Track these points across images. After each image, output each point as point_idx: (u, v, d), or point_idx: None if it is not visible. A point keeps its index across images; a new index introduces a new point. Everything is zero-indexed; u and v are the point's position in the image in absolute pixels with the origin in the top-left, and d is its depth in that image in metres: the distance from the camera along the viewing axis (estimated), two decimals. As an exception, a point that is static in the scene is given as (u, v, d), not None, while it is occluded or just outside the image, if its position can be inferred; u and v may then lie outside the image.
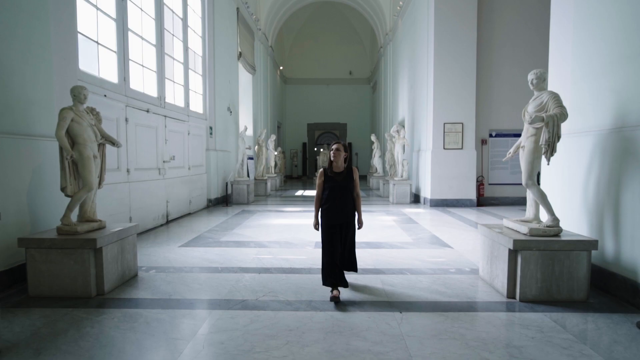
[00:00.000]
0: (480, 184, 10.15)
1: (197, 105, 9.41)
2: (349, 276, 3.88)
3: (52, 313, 3.09)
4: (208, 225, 7.09)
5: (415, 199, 11.10)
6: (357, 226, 3.57)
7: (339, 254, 3.42)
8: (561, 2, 4.35)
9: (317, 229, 3.54)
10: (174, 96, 8.08)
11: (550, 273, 3.32)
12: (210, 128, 10.02)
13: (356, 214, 3.56)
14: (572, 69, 4.08)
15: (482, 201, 10.11)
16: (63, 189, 3.61)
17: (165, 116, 7.42)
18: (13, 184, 3.69)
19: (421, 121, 11.01)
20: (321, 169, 3.52)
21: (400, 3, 13.40)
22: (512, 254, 3.41)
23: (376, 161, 15.55)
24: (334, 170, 3.45)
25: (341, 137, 24.91)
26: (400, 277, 4.02)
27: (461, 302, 3.36)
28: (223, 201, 10.42)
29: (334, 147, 3.45)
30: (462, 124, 9.80)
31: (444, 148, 9.85)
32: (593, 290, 3.57)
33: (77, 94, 3.66)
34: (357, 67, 25.21)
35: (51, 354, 2.46)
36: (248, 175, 11.39)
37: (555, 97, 3.38)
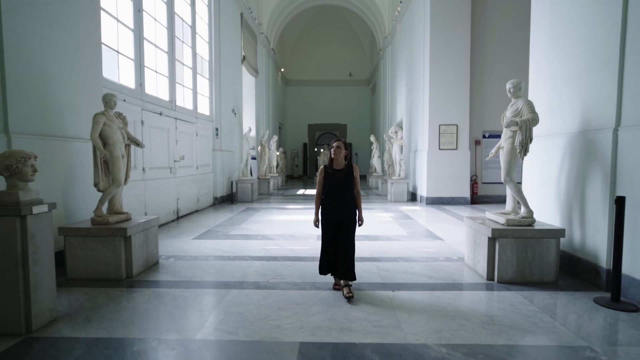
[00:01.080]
0: (474, 183, 10.63)
1: (204, 107, 9.89)
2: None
3: (91, 291, 3.57)
4: (216, 221, 7.57)
5: (413, 197, 11.57)
6: (357, 223, 3.56)
7: (337, 250, 3.46)
8: (538, 18, 4.83)
9: (318, 226, 3.55)
10: (184, 99, 8.56)
11: (523, 258, 3.80)
12: (216, 129, 10.50)
13: (357, 211, 3.56)
14: (548, 77, 4.57)
15: (476, 199, 10.58)
16: (96, 185, 4.09)
17: (176, 118, 7.90)
18: (50, 180, 4.16)
19: (418, 122, 11.48)
20: (322, 166, 3.55)
21: (399, 8, 13.88)
22: (491, 242, 3.89)
23: (375, 161, 16.02)
24: (334, 167, 3.49)
25: (341, 138, 25.34)
26: (394, 264, 4.50)
27: (446, 284, 3.84)
28: (228, 199, 10.91)
29: (334, 144, 3.48)
30: (457, 125, 10.27)
31: (439, 148, 10.33)
32: (563, 274, 4.05)
33: (108, 100, 4.14)
34: (356, 68, 25.68)
35: (99, 320, 2.94)
36: (251, 175, 11.88)
37: (529, 104, 3.86)
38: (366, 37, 23.85)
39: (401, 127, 13.08)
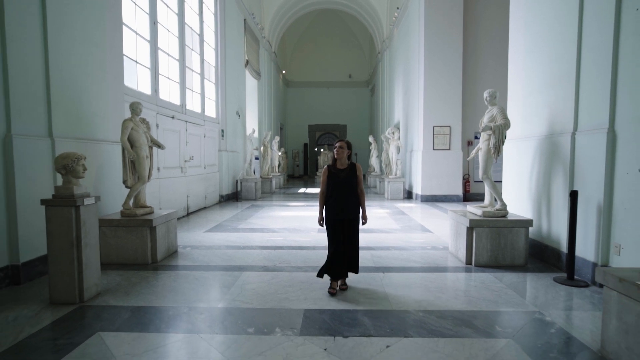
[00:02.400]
0: (466, 181, 11.21)
1: (210, 110, 10.48)
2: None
3: (124, 273, 4.16)
4: (224, 217, 8.15)
5: (408, 195, 12.16)
6: (361, 222, 3.66)
7: (342, 248, 3.55)
8: (515, 33, 5.41)
9: (322, 225, 3.64)
10: (193, 103, 9.15)
11: (497, 245, 4.38)
12: (222, 131, 11.08)
13: (360, 210, 3.65)
14: (522, 87, 5.15)
15: (468, 197, 11.16)
16: (124, 182, 4.68)
17: (186, 121, 8.49)
18: (85, 178, 4.73)
19: (413, 124, 12.06)
20: (325, 166, 3.64)
21: (396, 14, 14.45)
22: (470, 231, 4.47)
23: (374, 161, 16.61)
24: (337, 167, 3.58)
25: (341, 138, 25.93)
26: (386, 252, 5.09)
27: (430, 267, 4.43)
28: (233, 197, 11.49)
29: (337, 144, 3.54)
30: (450, 127, 10.85)
31: (433, 149, 10.91)
32: (533, 259, 4.64)
33: (135, 108, 4.72)
34: (356, 70, 26.26)
35: (136, 294, 3.53)
36: (254, 174, 12.46)
37: (502, 111, 4.44)
38: (365, 40, 24.43)
39: (398, 128, 13.65)
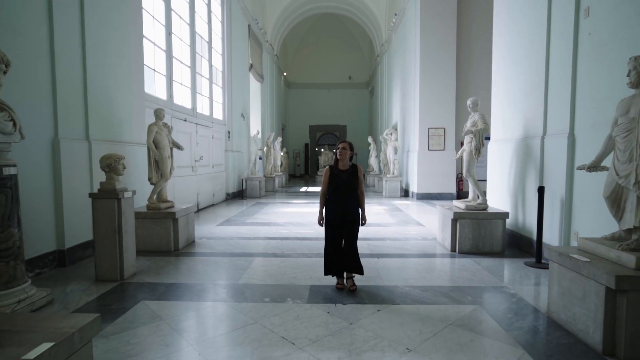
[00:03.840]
0: (459, 180, 11.82)
1: (218, 112, 11.10)
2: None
3: (152, 258, 4.78)
4: (232, 213, 8.77)
5: (405, 193, 12.77)
6: (360, 222, 3.69)
7: (340, 249, 3.63)
8: (497, 48, 6.04)
9: (322, 225, 3.67)
10: (202, 106, 9.76)
11: (478, 234, 4.99)
12: (228, 132, 11.70)
13: (360, 211, 3.68)
14: (504, 95, 5.77)
15: (462, 195, 11.75)
16: (149, 179, 5.29)
17: (196, 124, 9.10)
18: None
19: (410, 125, 12.68)
20: (327, 167, 3.69)
21: (394, 20, 15.06)
22: (454, 222, 5.08)
23: (373, 161, 17.23)
24: (339, 168, 3.61)
25: (341, 138, 26.53)
26: (381, 242, 5.70)
27: (419, 254, 5.05)
28: (239, 195, 12.12)
29: (340, 145, 3.57)
30: (444, 128, 11.47)
31: (428, 149, 11.53)
32: (511, 247, 5.26)
33: (159, 114, 5.33)
34: (356, 72, 26.86)
35: (166, 274, 4.15)
36: (258, 173, 13.07)
37: (482, 117, 5.06)
38: (365, 42, 25.02)
39: (396, 129, 14.24)
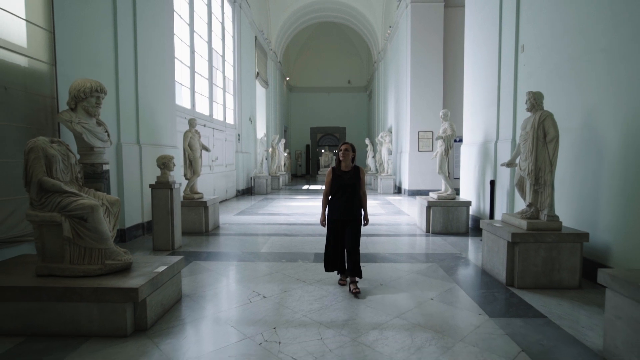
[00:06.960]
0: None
1: (229, 117, 12.40)
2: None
3: (190, 237, 6.08)
4: (245, 206, 10.07)
5: (398, 190, 14.07)
6: (363, 223, 3.68)
7: (340, 250, 3.68)
8: (467, 67, 7.34)
9: (324, 225, 3.71)
10: (217, 113, 11.06)
11: (447, 218, 6.28)
12: (238, 135, 13.00)
13: (362, 211, 3.67)
14: (471, 106, 7.07)
15: (449, 191, 13.05)
16: (184, 175, 6.59)
17: (213, 128, 10.40)
18: (154, 172, 6.64)
19: (402, 129, 13.97)
20: (330, 168, 3.69)
21: (389, 31, 16.36)
22: (428, 209, 6.37)
23: (370, 161, 18.51)
24: (342, 169, 3.63)
25: (340, 140, 27.83)
26: (371, 227, 6.99)
27: (401, 234, 6.35)
28: (248, 192, 13.42)
29: (342, 147, 3.59)
30: (432, 131, 12.74)
31: (418, 150, 12.81)
32: (473, 229, 6.55)
33: (192, 122, 6.63)
34: (355, 76, 28.17)
35: (205, 246, 5.45)
36: (264, 172, 14.37)
37: (451, 125, 6.35)
38: (363, 48, 26.31)
39: (390, 132, 15.55)
